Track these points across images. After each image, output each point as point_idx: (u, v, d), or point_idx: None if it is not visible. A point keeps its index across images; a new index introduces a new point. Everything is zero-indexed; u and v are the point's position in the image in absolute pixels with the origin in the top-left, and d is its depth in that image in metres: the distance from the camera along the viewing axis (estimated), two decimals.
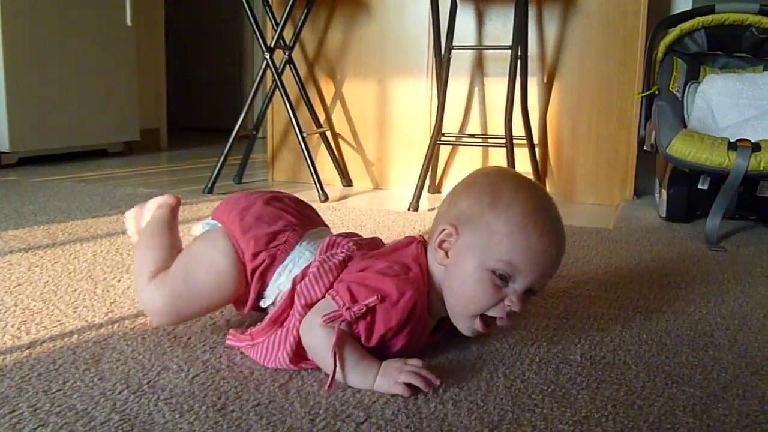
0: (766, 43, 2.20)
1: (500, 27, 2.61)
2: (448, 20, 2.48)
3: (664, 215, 2.19)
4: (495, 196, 0.93)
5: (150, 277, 1.06)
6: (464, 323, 0.96)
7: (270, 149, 3.03)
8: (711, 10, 2.20)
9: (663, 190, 2.20)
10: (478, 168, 1.04)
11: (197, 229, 1.20)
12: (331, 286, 0.95)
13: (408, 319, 0.92)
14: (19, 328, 1.08)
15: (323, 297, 0.94)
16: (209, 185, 2.54)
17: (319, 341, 0.90)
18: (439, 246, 0.95)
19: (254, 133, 2.89)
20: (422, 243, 1.00)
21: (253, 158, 3.15)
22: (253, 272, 1.01)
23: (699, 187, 2.01)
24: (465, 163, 2.74)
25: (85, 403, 0.84)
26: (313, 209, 1.15)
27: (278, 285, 1.01)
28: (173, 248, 1.11)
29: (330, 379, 0.88)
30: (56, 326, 1.10)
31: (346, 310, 0.90)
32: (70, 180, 2.76)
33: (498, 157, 2.64)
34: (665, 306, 1.30)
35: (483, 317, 0.94)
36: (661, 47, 2.27)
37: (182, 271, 1.04)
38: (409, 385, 0.87)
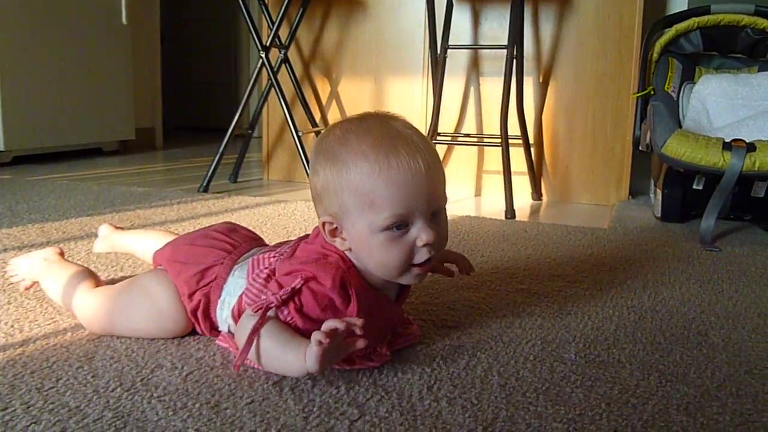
0: (761, 43, 2.21)
1: (496, 26, 2.61)
2: (444, 19, 2.48)
3: (659, 215, 2.19)
4: (335, 162, 0.89)
5: (90, 287, 1.09)
6: (403, 280, 0.93)
7: (265, 148, 3.03)
8: (706, 11, 2.20)
9: (658, 190, 2.21)
10: (317, 139, 0.97)
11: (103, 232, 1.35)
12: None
13: (343, 295, 0.89)
14: (12, 326, 1.08)
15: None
16: (204, 184, 2.53)
17: (242, 327, 0.89)
18: (332, 236, 0.92)
19: (249, 132, 2.89)
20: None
21: (248, 157, 3.15)
22: (194, 312, 1.01)
23: (694, 187, 2.02)
24: (461, 162, 2.74)
25: (78, 400, 0.83)
26: (245, 232, 1.12)
27: (225, 319, 1.01)
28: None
29: (239, 356, 0.87)
30: (50, 324, 1.09)
31: (272, 295, 0.88)
32: (65, 178, 2.75)
33: (493, 157, 2.65)
34: (659, 305, 1.30)
35: (416, 266, 0.91)
36: (657, 47, 2.27)
37: (125, 295, 1.05)
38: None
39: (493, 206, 2.45)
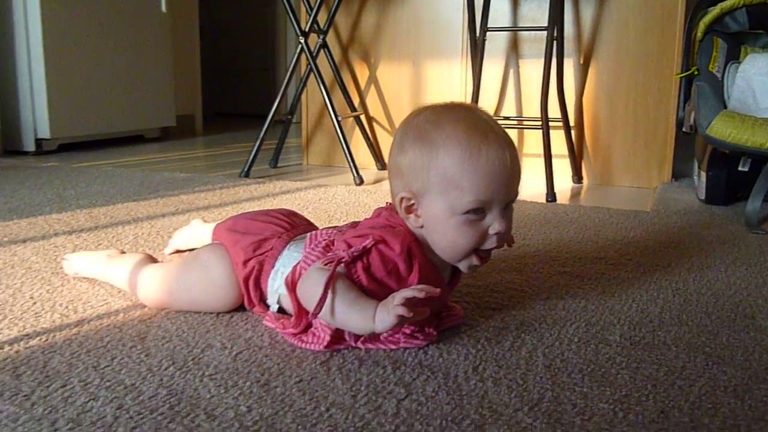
0: None
1: (535, 8, 2.59)
2: (483, 1, 2.46)
3: (703, 198, 2.16)
4: (426, 142, 0.92)
5: (143, 263, 1.15)
6: (462, 264, 0.96)
7: (305, 133, 3.05)
8: None
9: (702, 172, 2.17)
10: (404, 119, 1.01)
11: (193, 224, 1.40)
12: None
13: (408, 263, 0.92)
14: (67, 307, 1.11)
15: None
16: (246, 169, 2.56)
17: (312, 281, 0.90)
18: (408, 212, 0.95)
19: (289, 117, 2.91)
20: (389, 208, 1.00)
21: (288, 143, 3.17)
22: (246, 281, 1.04)
23: (739, 168, 1.98)
24: None
25: (133, 378, 0.86)
26: (303, 218, 1.16)
27: (276, 290, 1.03)
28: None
29: (317, 305, 0.87)
30: (102, 305, 1.12)
31: (343, 251, 0.91)
32: (110, 165, 2.81)
33: (533, 140, 2.63)
34: (705, 288, 1.29)
35: (477, 251, 0.94)
36: (701, 27, 2.22)
37: (183, 267, 1.11)
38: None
39: (533, 189, 2.44)
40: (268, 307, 1.06)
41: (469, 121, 0.92)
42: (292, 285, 0.97)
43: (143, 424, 0.74)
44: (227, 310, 1.09)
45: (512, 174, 0.92)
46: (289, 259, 1.03)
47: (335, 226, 1.07)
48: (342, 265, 0.90)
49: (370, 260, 0.92)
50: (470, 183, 0.90)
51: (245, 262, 1.04)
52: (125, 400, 0.80)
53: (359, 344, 0.96)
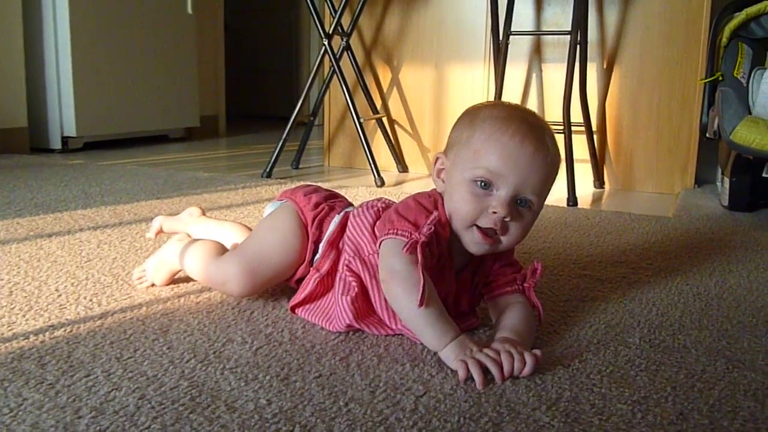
0: None
1: (559, 12, 2.59)
2: (507, 5, 2.46)
3: (726, 204, 2.14)
4: (473, 116, 0.99)
5: (215, 255, 1.13)
6: (465, 237, 0.98)
7: (327, 135, 3.06)
8: None
9: (725, 178, 2.16)
10: None
11: (188, 212, 1.40)
12: (373, 228, 1.01)
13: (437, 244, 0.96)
14: (90, 300, 1.13)
15: (367, 239, 1.01)
16: (268, 169, 2.58)
17: (387, 259, 0.94)
18: (438, 176, 1.02)
19: (311, 119, 2.92)
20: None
21: (309, 144, 3.19)
22: (312, 220, 1.10)
23: (763, 175, 1.97)
24: None
25: (156, 369, 0.87)
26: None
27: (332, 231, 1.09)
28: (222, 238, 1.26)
29: (420, 295, 0.89)
30: (126, 299, 1.14)
31: (417, 233, 0.93)
32: (134, 164, 2.84)
33: None
34: (726, 293, 1.28)
35: (480, 229, 0.96)
36: (726, 32, 2.21)
37: (253, 239, 1.14)
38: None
39: (555, 194, 2.42)
40: (315, 252, 1.09)
41: (518, 114, 0.97)
42: (333, 238, 1.06)
43: (164, 414, 0.76)
44: (299, 264, 1.10)
45: (533, 166, 0.94)
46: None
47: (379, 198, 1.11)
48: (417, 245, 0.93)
49: (432, 244, 0.96)
50: (487, 153, 0.94)
51: (317, 204, 1.11)
52: (147, 390, 0.81)
53: (373, 328, 1.00)
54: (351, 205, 1.16)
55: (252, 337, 0.99)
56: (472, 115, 1.00)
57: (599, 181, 2.59)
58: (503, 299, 1.04)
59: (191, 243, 1.19)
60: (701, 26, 2.41)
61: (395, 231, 0.95)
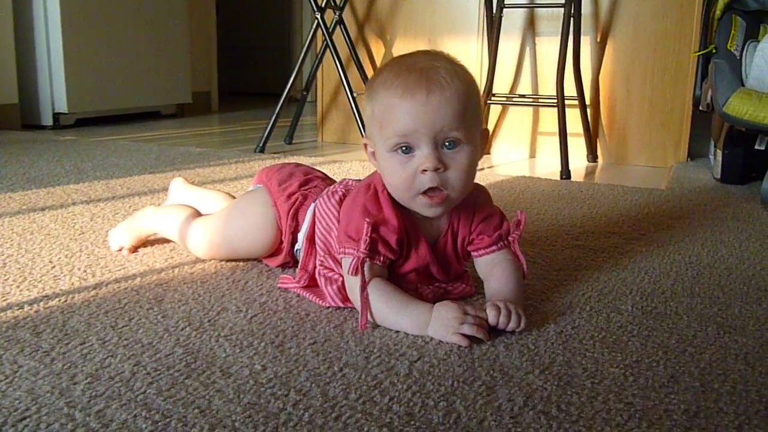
0: None
1: None
2: None
3: (718, 177, 2.15)
4: (368, 90, 0.98)
5: (189, 217, 1.21)
6: (416, 207, 0.97)
7: (320, 110, 3.05)
8: None
9: (718, 150, 2.16)
10: None
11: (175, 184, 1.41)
12: (338, 219, 1.01)
13: (386, 216, 0.96)
14: (85, 271, 1.13)
15: (334, 236, 1.01)
16: (261, 144, 2.57)
17: (351, 291, 0.95)
18: (373, 158, 1.00)
19: (304, 93, 2.91)
20: None
21: (303, 120, 3.18)
22: (287, 213, 1.10)
23: (756, 147, 1.97)
24: (516, 123, 2.72)
25: (150, 337, 0.87)
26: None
27: (308, 220, 1.09)
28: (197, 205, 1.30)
29: (362, 318, 0.91)
30: (120, 270, 1.14)
31: (357, 251, 0.93)
32: (126, 139, 2.83)
33: (549, 117, 2.62)
34: (718, 262, 1.29)
35: (423, 193, 0.94)
36: (720, 5, 2.20)
37: (224, 222, 1.17)
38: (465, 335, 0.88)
39: (547, 167, 2.44)
40: (294, 243, 1.11)
41: (405, 66, 0.94)
42: (309, 235, 1.05)
43: (160, 380, 0.76)
44: (267, 253, 1.15)
45: (434, 108, 0.90)
46: None
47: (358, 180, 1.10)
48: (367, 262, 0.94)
49: (381, 234, 0.96)
50: (389, 120, 0.93)
51: (290, 195, 1.12)
52: (142, 357, 0.82)
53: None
54: (325, 181, 1.17)
55: (246, 306, 0.99)
56: (367, 88, 0.99)
57: (592, 155, 2.60)
58: (489, 257, 1.03)
59: (165, 206, 1.27)
60: None
61: (343, 250, 0.96)
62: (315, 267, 1.04)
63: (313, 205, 1.09)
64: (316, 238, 1.05)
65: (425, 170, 0.92)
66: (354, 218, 0.96)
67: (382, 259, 0.96)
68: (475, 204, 1.03)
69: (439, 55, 0.97)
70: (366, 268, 0.93)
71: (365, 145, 1.01)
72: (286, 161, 1.23)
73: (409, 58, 0.97)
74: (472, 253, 1.05)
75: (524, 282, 1.04)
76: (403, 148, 0.93)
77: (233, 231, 1.16)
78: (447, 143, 0.93)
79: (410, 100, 0.91)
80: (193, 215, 1.22)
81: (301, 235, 1.09)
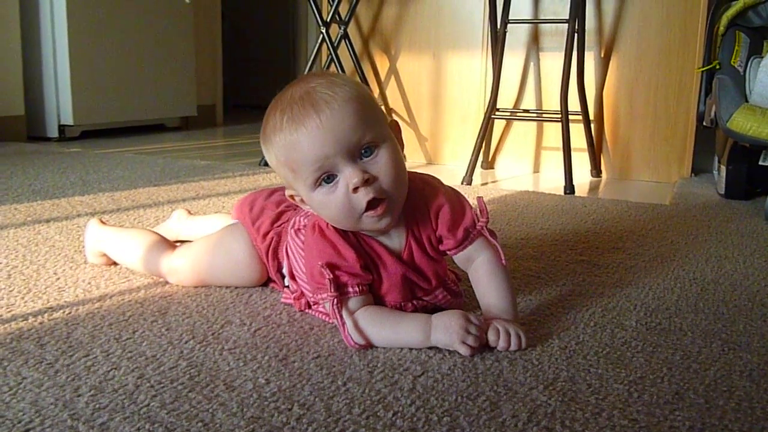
0: None
1: (557, 0, 2.58)
2: None
3: (722, 192, 2.15)
4: (264, 141, 0.93)
5: (161, 248, 1.17)
6: (365, 227, 0.93)
7: None
8: None
9: (722, 166, 2.16)
10: None
11: (176, 215, 1.39)
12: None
13: (358, 249, 0.94)
14: (89, 283, 1.13)
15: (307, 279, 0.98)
16: (265, 158, 2.57)
17: (338, 325, 0.93)
18: (303, 204, 0.96)
19: None
20: None
21: None
22: (266, 252, 1.08)
23: (760, 163, 1.97)
24: (520, 138, 2.73)
25: (154, 350, 0.88)
26: None
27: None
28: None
29: (357, 347, 0.91)
30: (124, 282, 1.14)
31: (327, 297, 0.91)
32: (131, 152, 2.84)
33: (553, 132, 2.63)
34: (722, 278, 1.29)
35: (364, 211, 0.90)
36: (723, 21, 2.21)
37: (209, 254, 1.14)
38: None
39: (551, 182, 2.44)
40: (284, 276, 1.08)
41: (282, 103, 0.91)
42: (290, 272, 1.04)
43: (164, 393, 0.76)
44: (258, 285, 1.14)
45: (333, 129, 0.87)
46: None
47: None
48: (345, 300, 0.92)
49: (342, 271, 0.93)
50: (296, 160, 0.89)
51: (264, 235, 1.08)
52: (146, 370, 0.82)
53: None
54: (297, 209, 1.08)
55: (250, 319, 0.99)
56: (263, 139, 0.94)
57: (596, 170, 2.60)
58: (463, 253, 0.99)
59: (118, 228, 1.27)
60: (699, 15, 2.41)
61: (318, 297, 0.94)
62: (307, 302, 1.02)
63: (286, 245, 1.06)
64: (296, 274, 1.02)
65: (356, 188, 0.88)
66: (313, 265, 0.94)
67: (356, 289, 0.93)
68: (423, 198, 0.98)
69: (310, 76, 0.94)
70: (345, 307, 0.92)
71: (291, 197, 0.97)
72: (256, 189, 1.18)
73: (284, 94, 0.92)
74: (450, 254, 1.01)
75: (506, 269, 1.01)
76: (325, 178, 0.89)
77: (220, 269, 1.13)
78: (363, 152, 0.89)
79: (305, 129, 0.87)
80: (159, 243, 1.18)
81: (285, 271, 1.07)
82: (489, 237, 0.99)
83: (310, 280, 0.95)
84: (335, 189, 0.89)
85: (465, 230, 0.98)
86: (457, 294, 1.05)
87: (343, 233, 0.94)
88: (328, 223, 0.95)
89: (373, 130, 0.89)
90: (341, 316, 0.90)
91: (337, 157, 0.88)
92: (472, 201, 1.04)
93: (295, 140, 0.88)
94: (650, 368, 0.88)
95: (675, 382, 0.84)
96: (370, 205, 0.89)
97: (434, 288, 1.01)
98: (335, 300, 0.90)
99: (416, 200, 0.97)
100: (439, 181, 1.02)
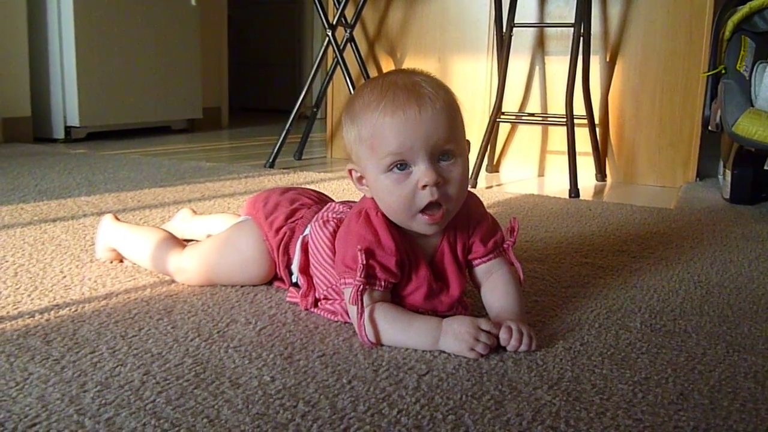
0: None
1: (563, 4, 2.59)
2: None
3: (727, 197, 2.15)
4: (349, 113, 0.96)
5: (170, 247, 1.18)
6: (414, 227, 0.95)
7: (330, 127, 3.06)
8: None
9: (727, 170, 2.16)
10: None
11: (181, 214, 1.41)
12: (334, 251, 0.99)
13: (380, 237, 0.94)
14: (95, 282, 1.14)
15: (331, 271, 1.00)
16: (270, 160, 2.59)
17: (354, 319, 0.93)
18: (360, 183, 0.99)
19: (314, 110, 2.93)
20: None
21: (312, 137, 3.19)
22: (277, 247, 1.09)
23: (765, 167, 1.97)
24: (525, 141, 2.73)
25: (160, 347, 0.88)
26: (329, 197, 1.20)
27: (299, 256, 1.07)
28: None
29: (368, 344, 0.91)
30: (130, 281, 1.15)
31: (355, 280, 0.92)
32: (137, 153, 2.85)
33: (558, 137, 2.63)
34: (727, 281, 1.29)
35: (422, 212, 0.93)
36: (729, 25, 2.21)
37: (217, 252, 1.14)
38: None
39: (556, 186, 2.44)
40: (291, 273, 1.09)
41: (386, 85, 0.93)
42: (302, 266, 1.04)
43: (169, 389, 0.76)
44: (265, 282, 1.14)
45: (428, 123, 0.90)
46: None
47: (345, 201, 1.09)
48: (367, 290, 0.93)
49: (378, 260, 0.93)
50: (380, 139, 0.91)
51: (278, 230, 1.09)
52: (152, 367, 0.82)
53: None
54: (311, 208, 1.13)
55: (256, 318, 1.00)
56: (348, 113, 0.97)
57: (601, 174, 2.60)
58: (485, 266, 1.02)
59: (131, 226, 1.28)
60: (704, 19, 2.41)
61: (343, 281, 0.94)
62: (315, 299, 1.03)
63: (299, 241, 1.07)
64: (313, 269, 1.03)
65: (425, 185, 0.90)
66: (349, 248, 0.95)
67: (382, 284, 0.93)
68: (466, 207, 1.01)
69: (415, 71, 0.96)
70: (366, 296, 0.92)
71: (350, 171, 0.99)
72: (262, 191, 1.20)
73: (387, 78, 0.95)
74: (471, 262, 1.03)
75: (521, 287, 1.03)
76: (399, 166, 0.91)
77: (228, 266, 1.13)
78: (442, 156, 0.92)
79: (402, 117, 0.90)
80: (169, 242, 1.19)
81: (294, 268, 1.08)
82: (513, 257, 1.03)
83: (339, 262, 0.96)
84: (405, 180, 0.92)
85: (495, 243, 1.03)
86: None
87: (388, 223, 0.96)
88: (377, 212, 0.96)
89: (456, 141, 0.93)
90: (362, 304, 0.91)
91: (420, 153, 0.90)
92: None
93: (389, 123, 0.90)
94: (655, 369, 0.88)
95: (679, 383, 0.84)
96: (430, 207, 0.92)
97: (452, 304, 1.00)
98: (360, 286, 0.91)
99: (460, 208, 0.99)
100: (479, 199, 1.06)
